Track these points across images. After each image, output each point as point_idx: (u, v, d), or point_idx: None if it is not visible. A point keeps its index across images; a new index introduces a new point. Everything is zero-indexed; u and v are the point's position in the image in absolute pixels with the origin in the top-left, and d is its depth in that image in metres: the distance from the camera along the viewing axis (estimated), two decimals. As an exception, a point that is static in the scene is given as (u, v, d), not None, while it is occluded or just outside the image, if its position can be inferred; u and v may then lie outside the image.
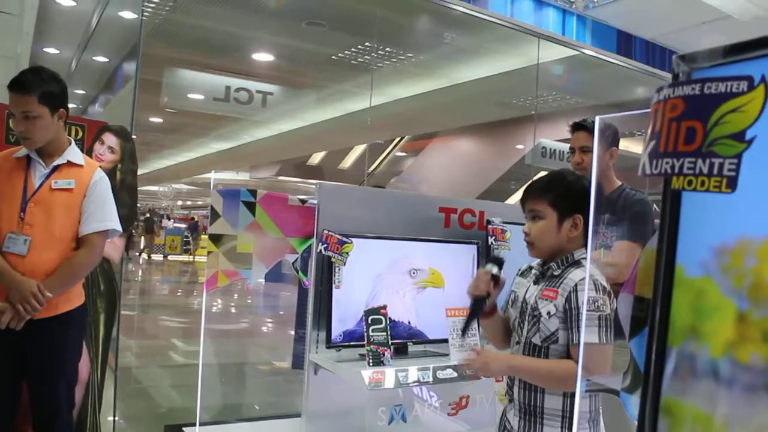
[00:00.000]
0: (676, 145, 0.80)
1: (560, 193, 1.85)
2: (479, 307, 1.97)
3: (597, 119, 1.42)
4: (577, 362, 1.70)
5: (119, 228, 2.52)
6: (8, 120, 2.99)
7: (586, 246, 1.86)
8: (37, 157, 2.37)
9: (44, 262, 2.28)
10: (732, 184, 0.76)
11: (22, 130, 2.30)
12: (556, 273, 1.85)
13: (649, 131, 0.86)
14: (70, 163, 2.41)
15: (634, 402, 1.11)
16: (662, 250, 0.83)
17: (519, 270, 2.07)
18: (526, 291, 1.92)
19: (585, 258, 1.84)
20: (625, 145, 2.84)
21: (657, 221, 2.72)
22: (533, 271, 1.95)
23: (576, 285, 1.76)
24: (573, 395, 1.76)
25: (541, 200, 1.86)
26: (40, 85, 2.31)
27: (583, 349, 1.67)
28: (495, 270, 1.93)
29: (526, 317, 1.87)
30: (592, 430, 1.81)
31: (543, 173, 2.07)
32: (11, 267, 2.24)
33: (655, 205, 2.80)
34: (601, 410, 1.89)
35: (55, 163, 2.39)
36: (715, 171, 0.77)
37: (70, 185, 2.37)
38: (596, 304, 1.72)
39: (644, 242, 2.51)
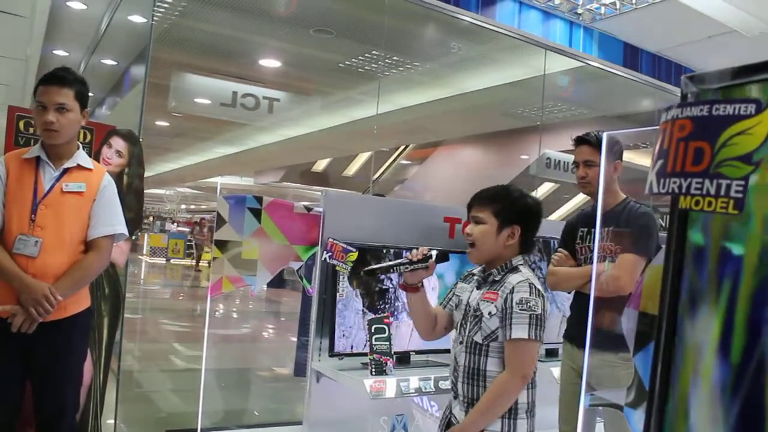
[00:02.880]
0: (684, 165, 0.81)
1: (503, 206, 2.07)
2: (394, 266, 2.11)
3: (604, 135, 1.43)
4: (495, 384, 1.92)
5: (126, 232, 2.53)
6: (18, 122, 3.01)
7: (520, 254, 2.07)
8: (47, 159, 2.38)
9: (54, 264, 2.30)
10: (739, 205, 0.77)
11: (53, 121, 2.31)
12: (497, 278, 2.04)
13: (657, 150, 0.87)
14: (79, 167, 2.43)
15: (638, 417, 1.11)
16: (668, 268, 0.84)
17: (461, 276, 2.25)
18: (470, 295, 2.09)
19: (521, 263, 2.06)
20: (629, 157, 2.84)
21: (662, 234, 2.72)
22: (475, 277, 2.14)
23: (513, 287, 1.96)
24: None
25: (485, 209, 2.07)
26: (75, 82, 2.39)
27: (512, 345, 1.91)
28: (434, 253, 2.10)
29: (469, 318, 2.04)
30: (529, 421, 1.98)
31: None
32: (22, 269, 2.25)
33: (660, 220, 2.80)
34: (547, 412, 2.11)
35: (65, 165, 2.40)
36: (723, 192, 0.78)
37: (81, 188, 2.39)
38: (528, 303, 1.92)
39: (648, 255, 2.52)
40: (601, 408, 2.35)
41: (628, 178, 2.82)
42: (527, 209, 2.09)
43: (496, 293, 1.99)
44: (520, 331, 1.90)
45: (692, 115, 0.81)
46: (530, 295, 1.93)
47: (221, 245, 2.80)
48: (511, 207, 2.06)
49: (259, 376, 6.40)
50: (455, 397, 2.07)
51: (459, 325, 2.10)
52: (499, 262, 2.06)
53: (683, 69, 7.43)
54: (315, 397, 2.66)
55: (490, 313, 1.97)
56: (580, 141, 2.82)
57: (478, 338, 1.99)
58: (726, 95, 0.82)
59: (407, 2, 5.63)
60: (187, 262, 19.33)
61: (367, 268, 2.19)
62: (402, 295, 2.76)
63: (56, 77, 2.36)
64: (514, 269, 2.04)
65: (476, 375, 1.98)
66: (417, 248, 2.12)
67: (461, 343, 2.06)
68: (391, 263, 2.15)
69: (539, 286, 1.99)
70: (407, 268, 2.08)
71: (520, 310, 1.91)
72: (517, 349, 1.92)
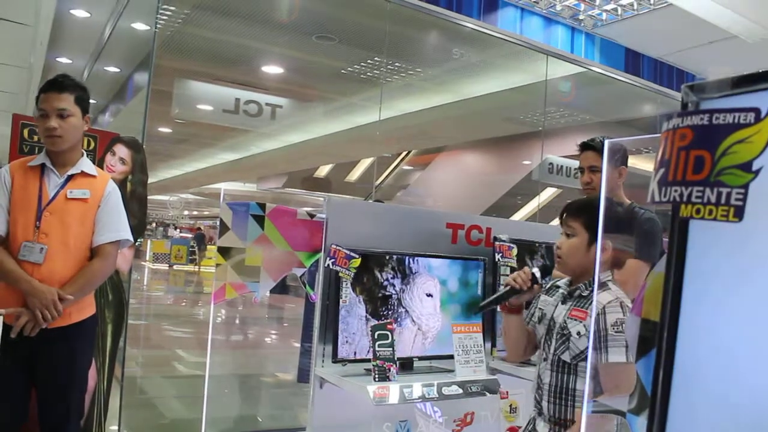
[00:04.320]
0: (685, 173, 0.82)
1: (595, 216, 1.94)
2: (506, 297, 2.05)
3: (606, 143, 1.44)
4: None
5: (131, 238, 2.55)
6: (22, 130, 3.03)
7: (610, 269, 1.97)
8: (51, 166, 2.40)
9: (59, 271, 2.31)
10: (739, 213, 0.78)
11: (55, 127, 2.34)
12: (584, 294, 1.95)
13: (658, 159, 0.88)
14: (84, 173, 2.45)
15: (640, 424, 1.11)
16: (669, 277, 0.85)
17: (544, 287, 2.15)
18: (554, 309, 2.00)
19: (610, 279, 1.94)
20: (632, 162, 2.85)
21: (666, 239, 2.72)
22: (560, 290, 2.04)
23: (604, 307, 1.85)
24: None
25: (577, 220, 1.98)
26: (75, 87, 2.42)
27: (610, 369, 1.76)
28: (537, 273, 2.03)
29: (554, 335, 1.95)
30: None
31: (579, 199, 2.09)
32: None
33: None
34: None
35: (70, 172, 2.42)
36: (723, 200, 0.79)
37: (86, 195, 2.41)
38: (623, 325, 1.81)
39: (652, 261, 2.52)
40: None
41: (633, 183, 2.83)
42: (622, 222, 2.05)
43: (584, 312, 1.90)
44: (617, 355, 1.79)
45: (693, 124, 0.82)
46: (624, 315, 1.84)
47: (224, 252, 2.81)
48: None
49: (263, 382, 6.40)
50: (539, 414, 2.01)
51: (542, 340, 2.01)
52: (587, 276, 1.97)
53: (685, 74, 7.44)
54: (318, 403, 2.66)
55: (578, 333, 1.89)
56: (585, 147, 2.83)
57: (566, 357, 1.91)
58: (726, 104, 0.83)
59: (409, 9, 5.65)
60: (190, 267, 19.36)
61: (481, 304, 2.12)
62: (405, 300, 2.77)
63: (55, 83, 2.39)
64: (603, 285, 1.93)
65: (564, 394, 1.91)
66: (521, 270, 2.02)
67: (545, 360, 1.98)
68: (502, 296, 2.05)
69: (630, 305, 1.89)
70: (517, 296, 2.02)
71: (616, 332, 1.81)
72: (614, 373, 1.77)
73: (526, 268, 2.06)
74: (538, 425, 2.01)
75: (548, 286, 2.13)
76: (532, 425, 2.04)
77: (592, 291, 1.93)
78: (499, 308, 2.09)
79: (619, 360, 1.77)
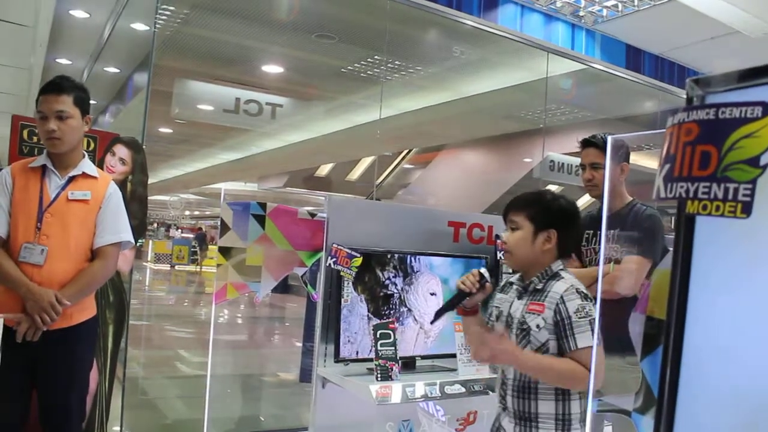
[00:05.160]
0: (691, 169, 0.80)
1: (538, 209, 2.02)
2: (458, 301, 2.05)
3: (609, 139, 1.43)
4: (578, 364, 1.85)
5: (132, 240, 2.54)
6: (22, 131, 3.02)
7: (558, 259, 2.02)
8: (53, 168, 2.39)
9: (60, 272, 2.30)
10: (747, 209, 0.76)
11: (54, 129, 2.33)
12: (538, 287, 1.98)
13: (664, 155, 0.86)
14: (85, 175, 2.44)
15: (646, 423, 1.10)
16: (676, 273, 0.84)
17: (499, 286, 2.18)
18: (510, 306, 2.03)
19: (562, 270, 2.00)
20: (633, 159, 2.84)
21: (669, 237, 2.71)
22: (514, 286, 2.07)
23: (562, 296, 1.90)
24: (564, 399, 1.91)
25: (520, 213, 2.02)
26: (73, 88, 2.41)
27: (582, 354, 1.83)
28: (486, 272, 2.02)
29: (514, 331, 1.98)
30: (581, 430, 1.93)
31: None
32: (27, 277, 2.25)
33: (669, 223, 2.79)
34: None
35: (71, 174, 2.41)
36: (730, 196, 0.77)
37: (87, 197, 2.40)
38: (585, 310, 1.87)
39: (654, 258, 2.52)
40: (609, 413, 2.34)
41: (635, 180, 2.81)
42: (562, 212, 2.04)
43: (541, 304, 1.93)
44: (585, 339, 1.84)
45: (699, 118, 0.81)
46: (584, 301, 1.88)
47: (225, 252, 2.80)
48: (545, 210, 2.02)
49: (265, 382, 6.40)
50: (504, 410, 2.02)
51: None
52: (537, 268, 2.00)
53: (686, 70, 7.42)
54: (321, 403, 2.66)
55: (538, 326, 1.91)
56: (586, 143, 2.82)
57: (526, 351, 1.93)
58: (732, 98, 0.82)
59: (409, 7, 5.63)
60: (192, 268, 19.37)
61: (435, 313, 2.10)
62: (407, 299, 2.76)
63: (54, 85, 2.38)
64: (555, 275, 1.98)
65: (527, 388, 1.93)
66: (471, 273, 2.03)
67: None
68: (453, 301, 2.06)
69: (585, 290, 1.94)
70: (470, 298, 2.02)
71: (579, 318, 1.85)
72: (587, 357, 1.81)
73: (474, 270, 2.05)
74: (503, 421, 2.02)
75: (502, 284, 2.16)
76: (498, 423, 2.05)
77: (545, 283, 1.96)
78: (456, 312, 2.08)
79: (588, 344, 1.82)
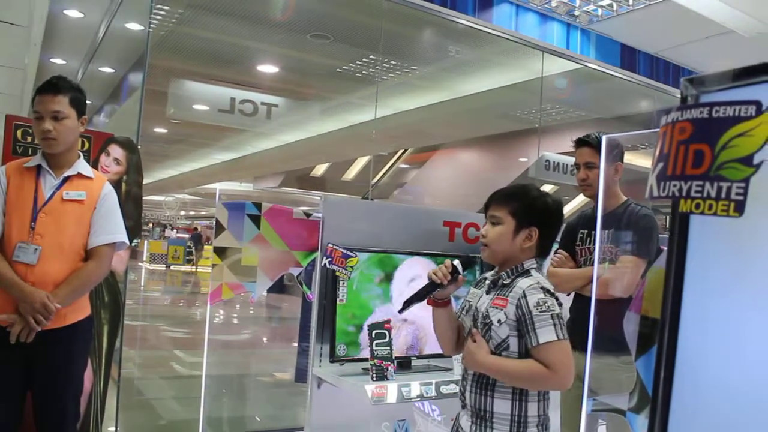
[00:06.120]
0: (684, 168, 0.80)
1: (522, 205, 1.95)
2: (428, 292, 2.01)
3: (603, 138, 1.43)
4: (539, 363, 1.78)
5: (127, 241, 2.53)
6: (16, 131, 3.01)
7: (536, 257, 1.96)
8: (48, 168, 2.39)
9: (53, 272, 2.29)
10: (740, 208, 0.76)
11: (50, 129, 2.33)
12: (506, 282, 1.92)
13: (657, 153, 0.87)
14: (80, 175, 2.43)
15: (641, 423, 1.10)
16: (670, 272, 0.84)
17: (474, 281, 2.14)
18: (479, 300, 1.98)
19: (534, 267, 1.94)
20: (628, 158, 2.84)
21: (662, 236, 2.71)
22: (487, 281, 2.02)
23: (524, 291, 1.84)
24: (521, 399, 1.84)
25: (503, 208, 1.95)
26: (70, 89, 2.40)
27: (545, 350, 1.76)
28: (459, 265, 1.99)
29: (478, 325, 1.93)
30: None
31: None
32: (21, 277, 2.24)
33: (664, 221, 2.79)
34: (550, 416, 1.94)
35: (66, 174, 2.40)
36: (723, 195, 0.78)
37: (82, 197, 2.39)
38: (546, 304, 1.80)
39: (649, 258, 2.52)
40: (603, 413, 2.34)
41: (629, 179, 2.81)
42: (547, 210, 1.96)
43: (505, 299, 1.87)
44: (546, 334, 1.76)
45: (692, 117, 0.81)
46: (545, 296, 1.82)
47: (221, 252, 2.80)
48: (529, 207, 1.94)
49: (260, 382, 6.39)
50: (463, 407, 1.97)
51: (468, 331, 1.98)
52: (511, 264, 1.94)
53: (681, 70, 7.44)
54: (316, 403, 2.66)
55: (499, 321, 1.85)
56: (580, 143, 2.81)
57: (489, 346, 1.87)
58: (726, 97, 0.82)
59: (404, 6, 5.63)
60: (187, 268, 19.35)
61: (404, 302, 2.06)
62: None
63: (50, 85, 2.37)
64: (525, 273, 1.92)
65: (486, 384, 1.87)
66: (444, 263, 1.98)
67: None
68: (423, 291, 2.01)
69: (549, 287, 1.88)
70: (441, 290, 1.98)
71: (540, 312, 1.78)
72: (551, 353, 1.76)
73: (447, 261, 2.00)
74: (461, 420, 1.97)
75: (478, 279, 2.10)
76: (458, 423, 2.00)
77: (513, 279, 1.90)
78: (426, 302, 2.04)
79: (551, 339, 1.76)
